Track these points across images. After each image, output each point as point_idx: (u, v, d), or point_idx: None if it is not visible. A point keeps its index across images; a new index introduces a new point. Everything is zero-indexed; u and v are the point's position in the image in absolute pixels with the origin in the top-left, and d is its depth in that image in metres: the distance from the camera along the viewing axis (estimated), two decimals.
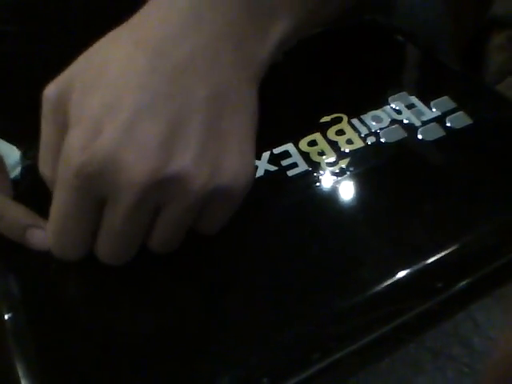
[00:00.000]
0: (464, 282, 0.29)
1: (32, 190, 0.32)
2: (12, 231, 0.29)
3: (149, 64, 0.24)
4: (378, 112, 0.35)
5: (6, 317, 0.27)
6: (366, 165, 0.32)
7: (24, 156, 0.33)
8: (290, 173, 0.32)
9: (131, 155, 0.23)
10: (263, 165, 0.32)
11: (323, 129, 0.34)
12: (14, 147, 0.30)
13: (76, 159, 0.24)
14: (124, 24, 0.26)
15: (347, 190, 0.31)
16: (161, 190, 0.24)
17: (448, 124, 0.34)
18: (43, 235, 0.28)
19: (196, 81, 0.25)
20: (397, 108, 0.35)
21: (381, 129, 0.34)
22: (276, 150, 0.33)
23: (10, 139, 0.33)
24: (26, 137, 0.34)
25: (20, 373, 0.25)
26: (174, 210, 0.25)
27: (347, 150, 0.33)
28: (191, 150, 0.24)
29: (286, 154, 0.33)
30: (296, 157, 0.33)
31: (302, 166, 0.32)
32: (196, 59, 0.25)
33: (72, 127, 0.25)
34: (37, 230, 0.29)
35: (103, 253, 0.27)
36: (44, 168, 0.27)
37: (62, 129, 0.25)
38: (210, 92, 0.25)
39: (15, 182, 0.31)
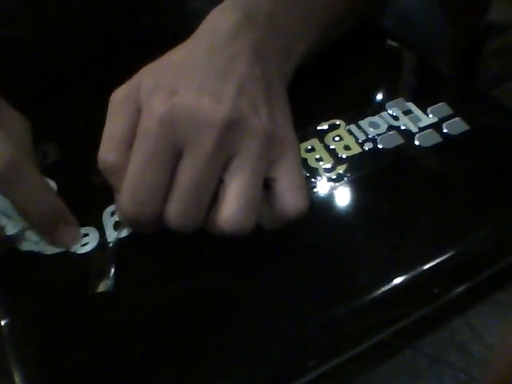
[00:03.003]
0: (460, 288, 0.29)
1: None
2: (43, 222, 0.28)
3: (205, 56, 0.29)
4: (375, 118, 0.35)
5: (3, 322, 0.27)
6: (363, 171, 0.32)
7: None
8: None
9: (208, 100, 0.27)
10: None
11: (321, 135, 0.34)
12: None
13: (159, 108, 0.26)
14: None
15: (345, 196, 0.31)
16: (234, 131, 0.27)
17: (445, 130, 0.34)
18: (73, 234, 0.29)
19: (243, 69, 0.29)
20: (394, 114, 0.36)
21: (378, 135, 0.34)
22: None
23: None
24: None
25: (17, 379, 0.25)
26: (246, 152, 0.27)
27: (344, 156, 0.33)
28: (255, 102, 0.28)
29: None
30: None
31: None
32: (237, 60, 0.29)
33: (148, 97, 0.28)
34: (69, 226, 0.29)
35: (175, 212, 0.27)
36: (108, 155, 0.28)
37: (132, 116, 0.28)
38: (258, 75, 0.29)
39: None
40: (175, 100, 0.27)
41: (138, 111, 0.28)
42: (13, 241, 0.29)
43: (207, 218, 0.28)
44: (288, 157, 0.28)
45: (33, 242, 0.29)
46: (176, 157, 0.27)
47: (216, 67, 0.28)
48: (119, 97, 0.29)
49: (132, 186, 0.27)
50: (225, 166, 0.27)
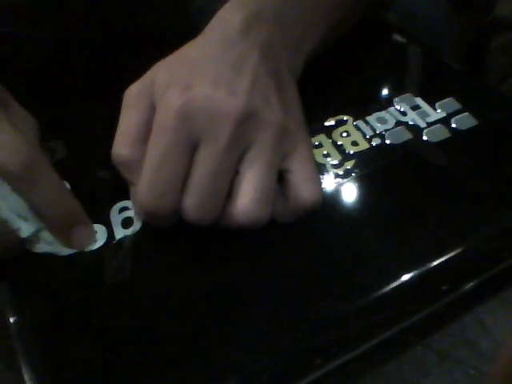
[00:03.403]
0: (469, 285, 0.29)
1: None
2: (59, 223, 0.28)
3: (218, 51, 0.29)
4: (382, 113, 0.35)
5: (12, 320, 0.27)
6: (371, 166, 0.32)
7: None
8: None
9: (223, 93, 0.27)
10: None
11: (328, 131, 0.34)
12: None
13: (176, 102, 0.27)
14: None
15: (352, 192, 0.31)
16: (249, 124, 0.27)
17: (453, 125, 0.34)
18: (88, 235, 0.29)
19: (255, 64, 0.29)
20: (402, 109, 0.35)
21: (386, 130, 0.34)
22: None
23: None
24: None
25: (26, 376, 0.25)
26: (261, 144, 0.27)
27: (352, 152, 0.33)
28: (268, 95, 0.29)
29: None
30: None
31: None
32: (248, 55, 0.30)
33: (164, 92, 0.28)
34: (84, 227, 0.29)
35: (192, 204, 0.27)
36: (122, 150, 0.28)
37: (146, 112, 0.29)
38: (269, 69, 0.30)
39: None
40: (191, 94, 0.27)
41: (152, 107, 0.29)
42: (26, 243, 0.29)
43: (223, 210, 0.28)
44: (301, 149, 0.29)
45: (47, 243, 0.29)
46: (192, 149, 0.27)
47: (229, 62, 0.29)
48: (133, 93, 0.30)
49: (150, 179, 0.27)
50: (240, 158, 0.27)
